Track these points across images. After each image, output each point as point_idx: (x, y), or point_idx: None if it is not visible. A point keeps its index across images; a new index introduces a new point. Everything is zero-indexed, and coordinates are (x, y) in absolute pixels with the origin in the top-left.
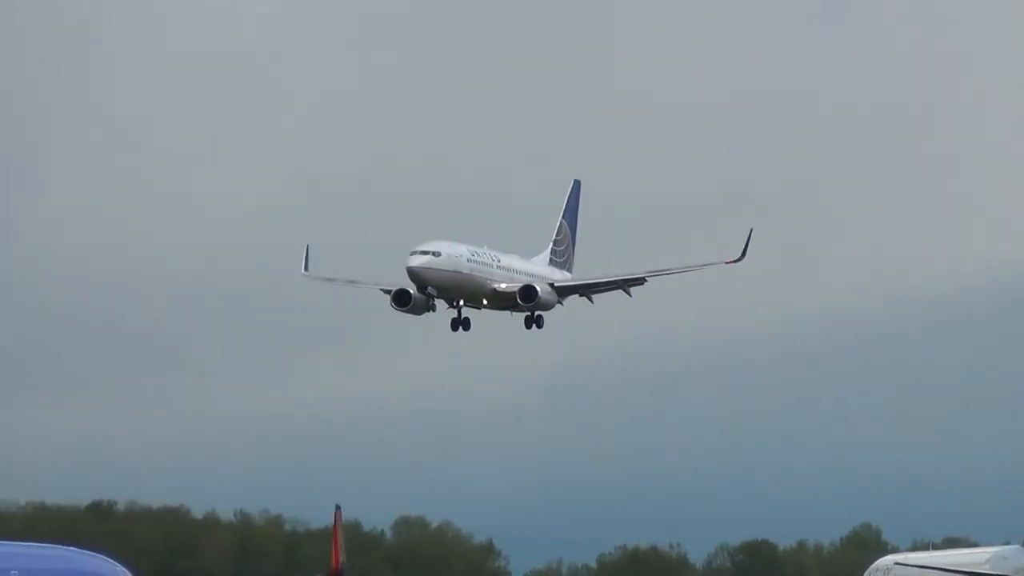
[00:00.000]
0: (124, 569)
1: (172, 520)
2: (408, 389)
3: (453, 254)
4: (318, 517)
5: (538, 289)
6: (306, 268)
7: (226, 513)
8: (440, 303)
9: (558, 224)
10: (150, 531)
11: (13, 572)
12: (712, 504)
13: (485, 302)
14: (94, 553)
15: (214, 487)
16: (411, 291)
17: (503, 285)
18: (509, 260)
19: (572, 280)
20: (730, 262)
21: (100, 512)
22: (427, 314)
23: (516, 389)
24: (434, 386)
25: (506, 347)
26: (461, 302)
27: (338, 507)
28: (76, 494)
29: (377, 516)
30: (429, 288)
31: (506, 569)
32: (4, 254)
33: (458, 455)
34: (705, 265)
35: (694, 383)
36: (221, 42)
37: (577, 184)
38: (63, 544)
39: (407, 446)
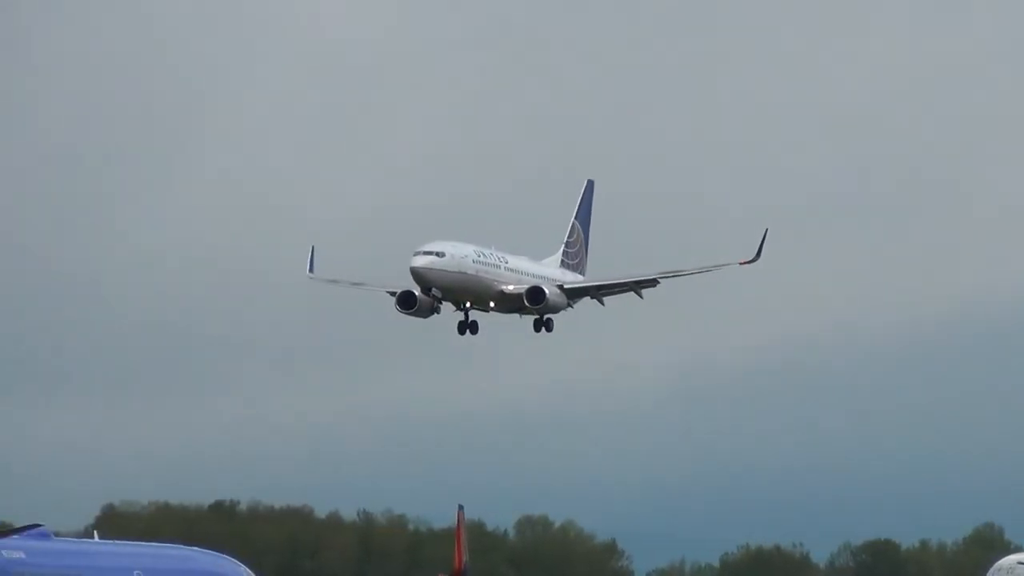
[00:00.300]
0: (247, 569)
1: (295, 520)
2: (531, 390)
3: (458, 254)
4: (441, 517)
5: (546, 291)
6: (311, 269)
7: (349, 513)
8: (446, 306)
9: (570, 225)
10: (273, 531)
11: (136, 572)
12: (835, 503)
13: (492, 304)
14: (217, 553)
15: (337, 487)
16: (416, 293)
17: (510, 287)
18: (517, 261)
19: (582, 282)
20: (744, 263)
21: (223, 512)
22: (434, 317)
23: (639, 390)
24: (557, 387)
25: (626, 348)
26: (467, 304)
27: (461, 507)
28: (199, 494)
29: (500, 516)
30: (433, 290)
31: (629, 569)
32: (142, 266)
33: (581, 455)
34: (718, 266)
35: (817, 383)
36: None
37: (590, 184)
38: (186, 544)
39: (531, 447)
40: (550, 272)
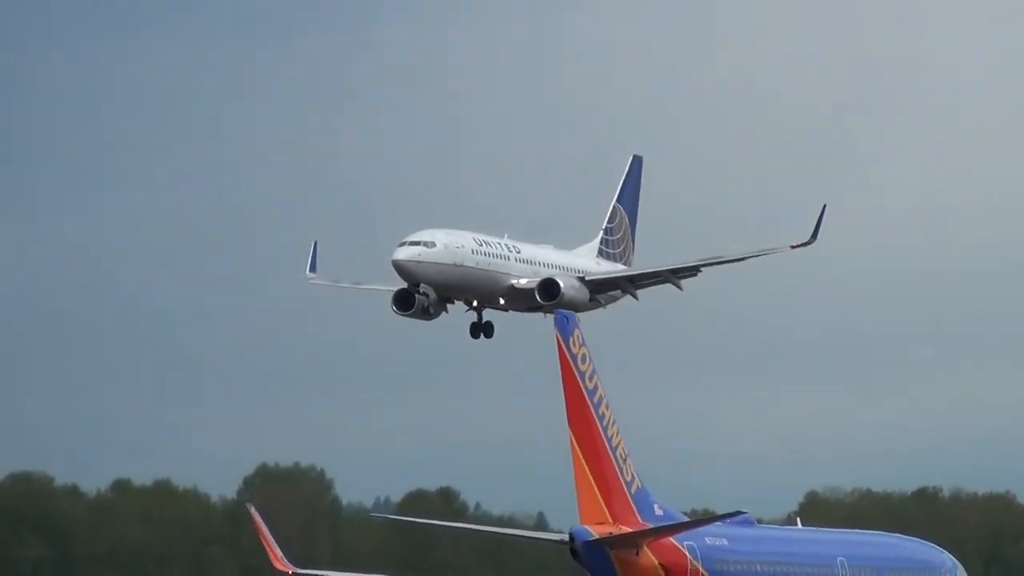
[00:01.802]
0: (950, 556)
1: (998, 506)
2: None
3: (453, 244)
4: None
5: (561, 284)
6: (312, 269)
7: None
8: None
9: (611, 208)
10: (975, 518)
11: (840, 558)
12: None
13: (502, 301)
14: (919, 539)
15: None
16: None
17: (522, 280)
18: (534, 251)
19: (606, 273)
20: (796, 246)
21: (926, 498)
22: (441, 318)
23: None
24: None
25: None
26: (475, 303)
27: None
28: (903, 481)
29: None
30: (422, 286)
31: None
32: None
33: None
34: (767, 251)
35: None
36: None
37: (638, 161)
38: (888, 531)
39: None
40: (579, 263)
